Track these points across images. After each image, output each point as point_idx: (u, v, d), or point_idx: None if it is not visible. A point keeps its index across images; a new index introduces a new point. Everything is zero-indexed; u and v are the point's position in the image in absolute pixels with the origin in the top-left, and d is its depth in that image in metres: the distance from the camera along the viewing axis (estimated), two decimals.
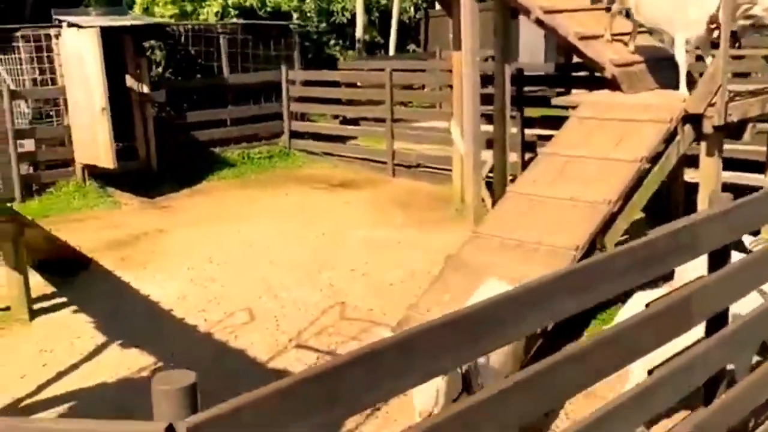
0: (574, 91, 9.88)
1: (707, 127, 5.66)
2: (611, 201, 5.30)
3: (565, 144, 6.05)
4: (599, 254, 2.52)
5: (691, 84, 6.06)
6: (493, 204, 8.74)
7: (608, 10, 6.91)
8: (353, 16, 17.69)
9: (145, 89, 11.36)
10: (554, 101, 6.79)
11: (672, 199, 7.26)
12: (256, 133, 12.97)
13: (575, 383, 2.51)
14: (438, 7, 19.28)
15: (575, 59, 9.57)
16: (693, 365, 2.97)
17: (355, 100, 14.11)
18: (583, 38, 6.71)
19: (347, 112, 13.76)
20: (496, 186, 8.90)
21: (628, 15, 6.90)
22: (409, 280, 6.91)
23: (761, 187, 6.73)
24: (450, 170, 10.35)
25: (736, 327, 3.16)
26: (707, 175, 5.90)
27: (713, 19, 5.67)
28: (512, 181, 9.33)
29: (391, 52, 17.97)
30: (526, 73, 9.73)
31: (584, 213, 5.33)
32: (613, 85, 6.67)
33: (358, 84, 14.44)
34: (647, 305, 2.75)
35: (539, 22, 7.17)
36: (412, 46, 19.23)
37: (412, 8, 19.16)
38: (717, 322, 3.09)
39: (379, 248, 7.82)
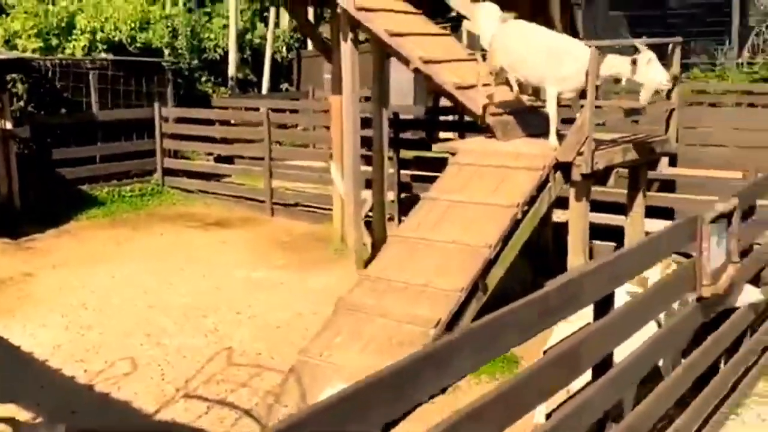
0: (441, 134, 10.33)
1: (576, 175, 6.05)
2: (491, 245, 5.57)
3: (446, 189, 6.30)
4: (500, 310, 2.63)
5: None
6: (373, 244, 8.94)
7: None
8: (226, 53, 17.61)
9: (8, 125, 10.86)
10: (435, 147, 7.06)
11: (542, 238, 7.65)
12: (128, 170, 12.65)
13: None
14: (310, 47, 19.55)
15: (443, 102, 10.03)
16: (583, 409, 3.18)
17: (228, 137, 14.03)
18: (459, 88, 7.02)
19: (222, 149, 13.65)
20: (375, 225, 9.10)
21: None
22: (296, 321, 6.93)
23: (623, 227, 7.28)
24: (328, 209, 10.50)
25: (619, 369, 3.40)
26: (576, 218, 6.30)
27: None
28: (390, 220, 9.60)
29: (265, 90, 18.01)
30: (401, 117, 10.06)
31: (467, 256, 5.57)
32: (487, 131, 7.04)
33: (232, 122, 14.39)
34: (544, 352, 2.93)
35: (417, 71, 7.44)
36: (285, 85, 19.32)
37: (284, 48, 19.28)
38: (603, 365, 3.33)
39: (262, 290, 7.80)
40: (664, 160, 8.62)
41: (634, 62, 5.92)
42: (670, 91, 6.89)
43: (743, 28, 19.40)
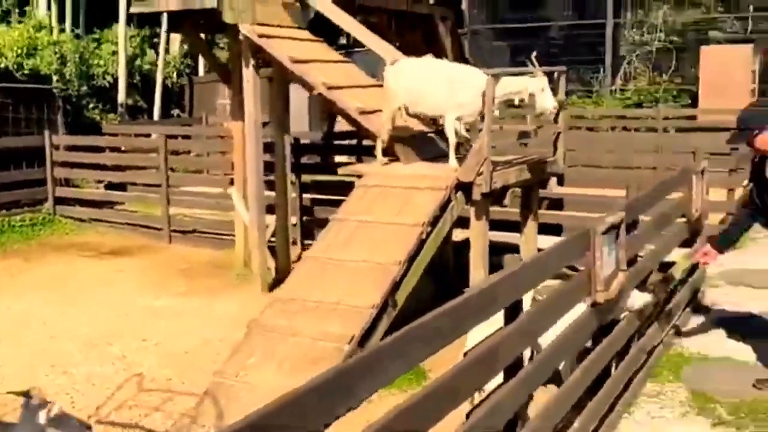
0: (337, 158, 10.58)
1: (476, 194, 6.41)
2: (400, 262, 5.82)
3: (353, 211, 6.52)
4: (424, 316, 2.85)
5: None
6: (277, 268, 9.05)
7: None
8: (115, 79, 17.34)
9: None
10: (341, 171, 7.29)
11: (444, 256, 7.98)
12: (18, 199, 12.30)
13: None
14: (201, 73, 19.49)
15: (338, 127, 10.28)
16: (497, 409, 3.43)
17: (120, 165, 13.79)
18: (363, 113, 7.29)
19: (115, 177, 13.41)
20: (278, 249, 9.23)
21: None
22: (203, 347, 6.96)
23: (518, 244, 7.71)
24: (227, 235, 10.54)
25: (526, 371, 3.68)
26: (477, 235, 6.66)
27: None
28: (293, 244, 9.74)
29: (156, 116, 17.81)
30: (302, 142, 10.26)
31: (377, 274, 5.79)
32: (389, 155, 7.33)
33: (123, 148, 14.18)
34: (465, 354, 3.17)
35: (321, 96, 7.67)
36: (176, 111, 19.16)
37: (175, 74, 19.15)
38: (514, 367, 3.60)
39: (166, 317, 7.78)
40: (553, 180, 9.16)
41: (530, 93, 6.40)
42: (556, 116, 7.40)
43: (615, 57, 20.70)
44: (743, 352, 6.13)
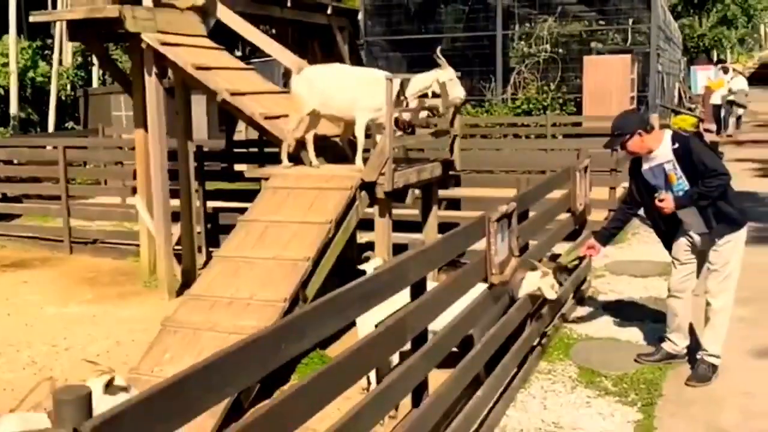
0: (236, 166, 10.75)
1: (379, 193, 6.77)
2: (309, 257, 6.10)
3: (262, 211, 6.75)
4: (330, 293, 3.16)
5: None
6: (183, 274, 9.16)
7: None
8: (6, 92, 16.90)
9: None
10: (248, 174, 7.48)
11: (348, 256, 8.29)
12: None
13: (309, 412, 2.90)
14: (96, 84, 19.21)
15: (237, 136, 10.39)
16: (407, 377, 3.76)
17: (12, 177, 13.53)
18: (267, 118, 7.54)
19: (9, 189, 13.14)
20: (184, 256, 9.32)
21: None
22: (115, 349, 7.02)
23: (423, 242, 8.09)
24: (129, 244, 10.57)
25: (430, 345, 4.04)
26: (381, 233, 7.01)
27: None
28: (198, 251, 9.85)
29: (51, 129, 17.45)
30: (205, 150, 10.38)
31: (287, 270, 6.05)
32: (295, 159, 7.60)
33: (15, 161, 13.90)
34: (376, 325, 3.50)
35: (225, 103, 7.86)
36: (70, 123, 18.81)
37: (68, 85, 18.81)
38: (420, 339, 3.95)
39: (76, 324, 7.78)
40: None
41: (441, 83, 6.81)
42: (453, 119, 7.86)
43: (505, 68, 21.60)
44: (626, 332, 6.72)
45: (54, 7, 21.57)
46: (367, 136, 7.37)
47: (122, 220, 11.47)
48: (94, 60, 19.21)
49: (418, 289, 3.91)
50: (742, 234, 5.50)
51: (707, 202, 5.30)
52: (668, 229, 5.76)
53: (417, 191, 7.56)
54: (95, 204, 12.57)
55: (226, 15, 8.68)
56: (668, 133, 5.52)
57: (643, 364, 5.93)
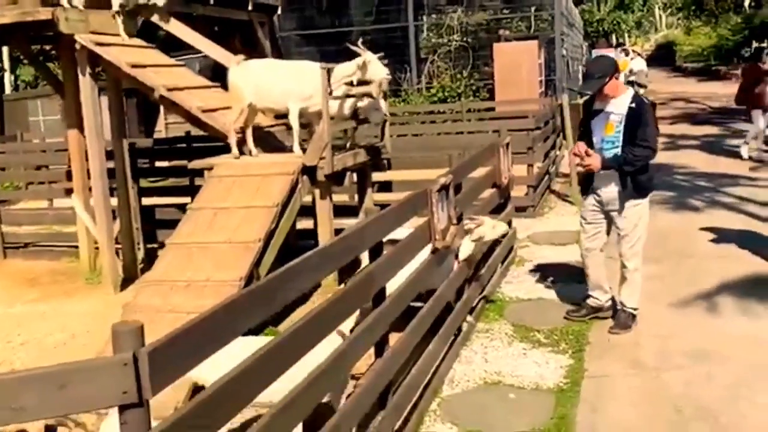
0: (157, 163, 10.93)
1: (320, 176, 7.19)
2: (260, 238, 6.46)
3: (209, 199, 7.07)
4: (311, 251, 3.59)
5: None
6: (124, 269, 9.36)
7: (225, 89, 8.10)
8: None
9: None
10: (191, 165, 7.77)
11: (288, 240, 8.67)
12: None
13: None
14: (8, 90, 18.88)
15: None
16: (371, 330, 4.20)
17: None
18: (205, 111, 7.84)
19: None
20: (124, 252, 9.52)
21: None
22: (72, 341, 7.23)
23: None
24: (63, 246, 10.71)
25: (387, 303, 4.48)
26: (322, 214, 7.45)
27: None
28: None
29: None
30: (137, 146, 10.56)
31: (240, 251, 6.41)
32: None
33: None
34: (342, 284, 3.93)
35: (162, 99, 8.11)
36: None
37: None
38: (379, 296, 4.41)
39: (26, 321, 7.91)
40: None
41: (362, 65, 7.20)
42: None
43: (418, 58, 22.22)
44: (552, 293, 7.36)
45: None
46: (303, 125, 7.74)
47: (53, 222, 11.51)
48: (5, 66, 18.87)
49: (376, 252, 4.37)
50: (647, 202, 6.01)
51: (631, 169, 5.79)
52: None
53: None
54: (23, 209, 12.52)
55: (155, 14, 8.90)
56: (631, 90, 5.96)
57: (572, 320, 6.53)
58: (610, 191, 6.00)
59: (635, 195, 5.90)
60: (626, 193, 5.88)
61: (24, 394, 2.19)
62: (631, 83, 22.39)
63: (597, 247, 6.32)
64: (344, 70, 7.40)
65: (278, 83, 7.35)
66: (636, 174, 5.83)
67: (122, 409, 2.25)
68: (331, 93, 7.32)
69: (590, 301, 6.50)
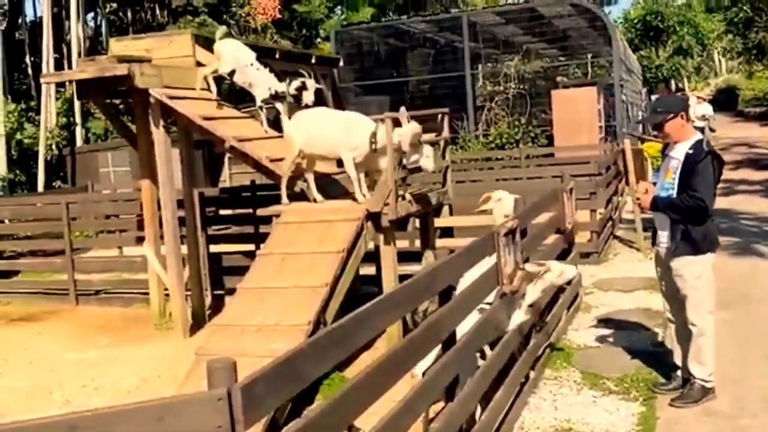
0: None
1: (384, 222, 7.29)
2: (327, 283, 6.57)
3: (277, 245, 7.23)
4: (385, 292, 3.67)
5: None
6: (193, 315, 9.56)
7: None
8: None
9: None
10: (259, 212, 7.96)
11: (353, 286, 8.77)
12: None
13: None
14: (80, 143, 19.62)
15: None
16: (443, 371, 4.24)
17: (12, 234, 13.88)
18: (273, 161, 8.06)
19: (10, 246, 13.47)
20: (193, 298, 9.72)
21: None
22: (144, 385, 7.38)
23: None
24: (134, 292, 11.00)
25: (460, 345, 4.53)
26: (386, 259, 7.53)
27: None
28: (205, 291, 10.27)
29: (40, 188, 17.80)
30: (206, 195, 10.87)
31: (308, 296, 6.51)
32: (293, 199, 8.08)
33: (6, 221, 14.29)
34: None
35: (233, 149, 8.38)
36: (58, 183, 19.18)
37: (54, 145, 19.22)
38: (450, 341, 4.45)
39: (99, 366, 8.12)
40: (446, 209, 10.17)
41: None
42: (444, 151, 8.45)
43: (475, 106, 22.43)
44: (621, 340, 7.27)
45: (34, 69, 22.11)
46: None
47: (123, 270, 11.85)
48: (77, 120, 19.65)
49: (446, 295, 4.43)
50: (705, 259, 5.50)
51: (677, 217, 5.43)
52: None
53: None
54: (94, 257, 12.94)
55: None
56: (698, 136, 5.57)
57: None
58: (663, 244, 5.65)
59: (689, 251, 5.44)
60: (676, 246, 5.47)
61: (122, 428, 2.29)
62: (702, 129, 21.29)
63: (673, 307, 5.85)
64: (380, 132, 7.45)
65: (329, 132, 7.51)
66: (689, 228, 5.42)
67: None
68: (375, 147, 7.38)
69: (679, 373, 5.90)
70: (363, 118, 7.66)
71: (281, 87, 8.75)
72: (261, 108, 8.97)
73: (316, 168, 8.06)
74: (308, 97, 8.57)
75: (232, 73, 8.86)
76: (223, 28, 9.84)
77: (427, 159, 7.38)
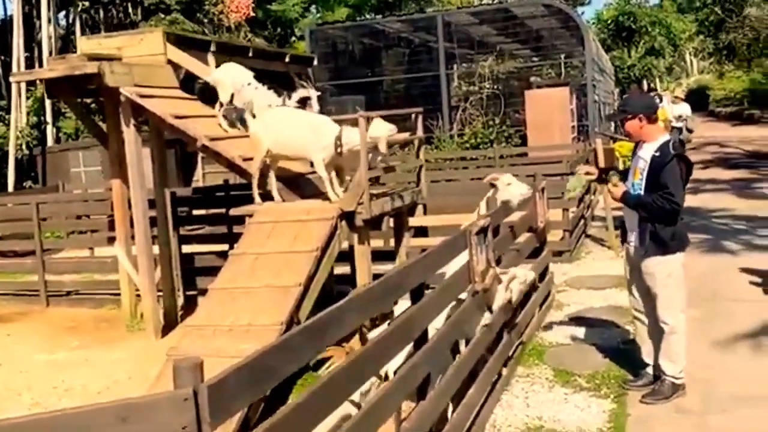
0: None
1: (358, 221, 7.28)
2: (300, 283, 6.55)
3: (250, 245, 7.19)
4: (358, 288, 3.67)
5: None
6: (165, 316, 9.49)
7: None
8: None
9: None
10: (232, 212, 7.91)
11: (326, 286, 8.75)
12: None
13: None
14: (51, 143, 19.40)
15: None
16: (414, 369, 4.24)
17: None
18: (245, 159, 8.01)
19: None
20: (165, 298, 9.65)
21: None
22: (115, 386, 7.32)
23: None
24: (104, 293, 10.91)
25: (431, 343, 4.54)
26: (361, 258, 7.52)
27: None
28: (178, 291, 10.20)
29: (10, 188, 17.58)
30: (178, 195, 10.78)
31: (281, 296, 6.49)
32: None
33: None
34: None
35: (204, 148, 8.32)
36: (28, 183, 18.95)
37: (24, 145, 18.98)
38: (421, 339, 4.45)
39: (70, 367, 8.04)
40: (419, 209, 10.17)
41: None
42: (418, 151, 8.47)
43: (450, 106, 22.48)
44: (591, 337, 7.32)
45: (5, 68, 21.83)
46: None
47: (95, 271, 11.74)
48: (48, 119, 19.44)
49: (417, 293, 4.43)
50: (674, 259, 5.53)
51: (645, 215, 5.46)
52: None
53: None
54: (65, 258, 12.81)
55: (195, 66, 9.17)
56: (665, 138, 5.57)
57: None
58: (633, 243, 5.70)
59: (658, 251, 5.47)
60: (646, 249, 5.50)
61: (87, 428, 2.27)
62: (679, 129, 20.63)
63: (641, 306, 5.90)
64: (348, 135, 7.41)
65: (297, 134, 7.47)
66: (657, 228, 5.45)
67: None
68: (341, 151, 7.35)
69: (649, 369, 5.97)
70: (327, 120, 7.67)
71: (280, 102, 8.54)
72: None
73: (293, 168, 8.04)
74: (313, 108, 8.15)
75: (232, 96, 8.63)
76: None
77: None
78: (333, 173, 7.45)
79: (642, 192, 5.53)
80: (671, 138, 5.74)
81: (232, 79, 8.59)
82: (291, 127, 7.64)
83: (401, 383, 4.02)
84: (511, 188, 6.73)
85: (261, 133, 7.70)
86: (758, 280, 8.55)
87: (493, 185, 6.77)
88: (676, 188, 5.35)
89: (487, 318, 5.57)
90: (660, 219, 5.44)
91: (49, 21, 20.41)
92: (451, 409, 4.85)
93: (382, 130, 7.43)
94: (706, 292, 8.21)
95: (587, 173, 6.41)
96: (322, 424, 3.15)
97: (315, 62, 13.14)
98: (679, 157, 5.46)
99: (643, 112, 5.56)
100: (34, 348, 8.95)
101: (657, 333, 5.75)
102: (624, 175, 5.90)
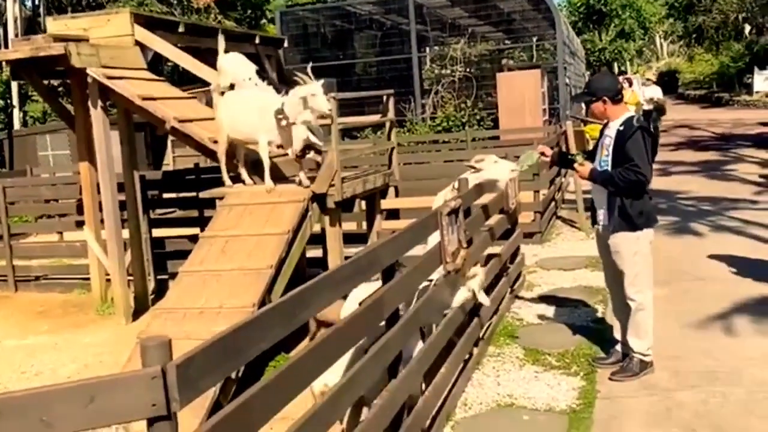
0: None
1: (330, 203, 7.27)
2: (272, 265, 6.53)
3: (221, 227, 7.15)
4: (326, 271, 3.66)
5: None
6: (135, 300, 9.42)
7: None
8: None
9: None
10: (202, 194, 7.85)
11: (299, 269, 8.75)
12: None
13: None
14: (17, 126, 19.10)
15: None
16: (386, 350, 4.25)
17: None
18: (215, 142, 7.95)
19: None
20: (135, 282, 9.59)
21: None
22: (85, 371, 7.27)
23: None
24: (74, 278, 10.79)
25: (403, 321, 4.55)
26: (332, 240, 7.52)
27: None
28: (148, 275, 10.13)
29: None
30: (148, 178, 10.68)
31: (252, 278, 6.47)
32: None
33: None
34: (360, 303, 3.99)
35: (174, 131, 8.24)
36: None
37: None
38: (393, 318, 4.46)
39: (39, 352, 7.96)
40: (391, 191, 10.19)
41: (303, 99, 7.05)
42: (389, 133, 8.46)
43: (422, 89, 22.46)
44: (562, 316, 7.38)
45: None
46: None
47: (64, 255, 11.61)
48: (15, 102, 19.13)
49: (389, 273, 4.43)
50: (642, 235, 5.55)
51: (614, 190, 5.47)
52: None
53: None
54: (33, 242, 12.65)
55: (165, 48, 9.06)
56: (629, 114, 5.59)
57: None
58: (601, 221, 5.73)
59: (625, 227, 5.50)
60: (614, 225, 5.53)
61: (54, 407, 2.24)
62: (649, 112, 20.98)
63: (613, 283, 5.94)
64: (295, 104, 7.25)
65: (247, 116, 7.36)
66: (625, 203, 5.47)
67: (151, 422, 2.30)
68: (287, 124, 7.22)
69: (618, 347, 6.02)
70: (270, 98, 7.49)
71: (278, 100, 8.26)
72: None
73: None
74: (320, 103, 7.22)
75: (231, 86, 8.50)
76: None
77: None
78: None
79: (609, 167, 5.54)
80: (634, 114, 5.77)
81: (234, 70, 8.37)
82: (242, 112, 7.51)
83: (372, 362, 4.02)
84: (500, 165, 6.67)
85: (221, 115, 7.62)
86: (726, 259, 8.68)
87: (473, 167, 6.69)
88: (642, 160, 5.36)
89: (461, 296, 5.58)
90: (627, 192, 5.45)
91: (15, 1, 20.02)
92: (423, 387, 4.86)
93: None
94: (675, 271, 8.32)
95: (542, 154, 6.40)
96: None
97: (285, 44, 13.03)
98: (643, 129, 5.49)
99: (605, 94, 5.57)
100: (3, 333, 8.86)
101: (624, 311, 5.80)
102: (592, 156, 5.93)
